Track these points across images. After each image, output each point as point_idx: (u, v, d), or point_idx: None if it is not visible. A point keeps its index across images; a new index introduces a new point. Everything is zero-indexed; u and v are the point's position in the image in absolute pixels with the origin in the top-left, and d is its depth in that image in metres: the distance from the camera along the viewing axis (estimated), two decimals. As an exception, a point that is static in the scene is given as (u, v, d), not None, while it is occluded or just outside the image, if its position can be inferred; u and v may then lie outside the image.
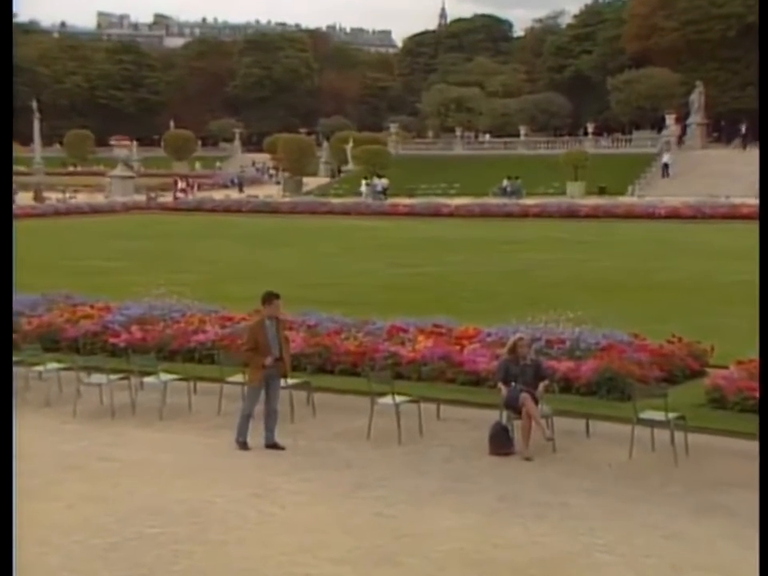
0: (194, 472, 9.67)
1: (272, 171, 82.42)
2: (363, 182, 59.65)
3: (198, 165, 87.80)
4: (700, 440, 10.21)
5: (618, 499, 8.74)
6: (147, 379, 12.26)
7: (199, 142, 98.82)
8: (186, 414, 11.92)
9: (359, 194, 58.72)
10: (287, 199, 57.21)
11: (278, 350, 10.44)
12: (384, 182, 59.53)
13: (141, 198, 57.98)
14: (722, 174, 54.86)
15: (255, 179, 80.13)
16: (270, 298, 10.56)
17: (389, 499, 8.74)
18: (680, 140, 67.65)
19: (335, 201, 53.67)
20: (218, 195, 60.90)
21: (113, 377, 12.18)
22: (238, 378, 12.09)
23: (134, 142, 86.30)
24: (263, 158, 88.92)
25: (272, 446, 10.35)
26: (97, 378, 12.26)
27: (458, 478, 9.37)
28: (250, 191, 66.05)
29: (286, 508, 8.56)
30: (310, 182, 70.55)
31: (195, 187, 67.75)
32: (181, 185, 65.37)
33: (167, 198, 57.81)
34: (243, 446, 10.36)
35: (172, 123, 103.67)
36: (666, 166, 58.26)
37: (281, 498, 8.80)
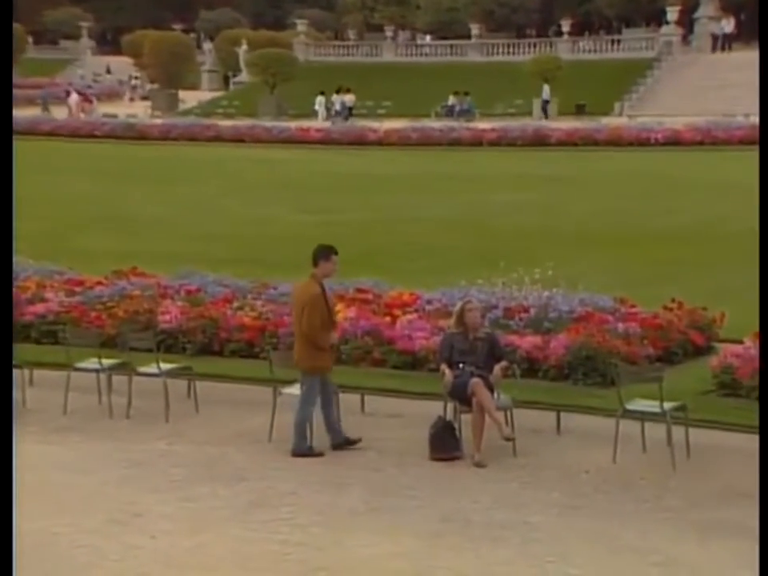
0: (32, 493, 9.56)
1: (135, 81, 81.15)
2: (319, 98, 59.35)
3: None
4: (706, 437, 10.46)
5: (597, 516, 8.92)
6: (-34, 366, 12.08)
7: (30, 40, 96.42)
8: (20, 414, 11.77)
9: (313, 114, 58.18)
10: (158, 120, 56.53)
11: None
12: (349, 98, 59.36)
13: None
14: (741, 84, 55.13)
15: (112, 92, 78.83)
16: (327, 253, 10.51)
17: (297, 521, 8.79)
18: (685, 40, 68.32)
19: (224, 123, 53.21)
20: (61, 113, 59.81)
21: None
22: (92, 362, 12.00)
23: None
24: (123, 62, 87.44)
25: (345, 442, 10.50)
26: None
27: (388, 492, 9.46)
28: (106, 108, 65.05)
29: (157, 538, 8.54)
30: (188, 97, 69.78)
31: (95, 101, 66.44)
32: (76, 97, 63.79)
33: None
34: (311, 451, 10.41)
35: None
36: (545, 103, 58.39)
37: (151, 525, 8.78)
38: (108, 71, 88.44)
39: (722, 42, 66.56)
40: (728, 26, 67.43)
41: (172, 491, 9.53)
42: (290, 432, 10.70)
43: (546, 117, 55.99)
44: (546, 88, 57.73)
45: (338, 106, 59.03)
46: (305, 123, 52.39)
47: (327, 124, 53.89)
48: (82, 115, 60.05)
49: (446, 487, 9.58)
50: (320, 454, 10.44)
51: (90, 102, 65.48)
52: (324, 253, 10.52)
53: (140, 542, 8.45)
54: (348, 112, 58.57)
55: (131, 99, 75.04)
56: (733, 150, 39.68)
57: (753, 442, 9.83)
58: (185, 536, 8.57)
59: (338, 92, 59.79)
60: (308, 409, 10.55)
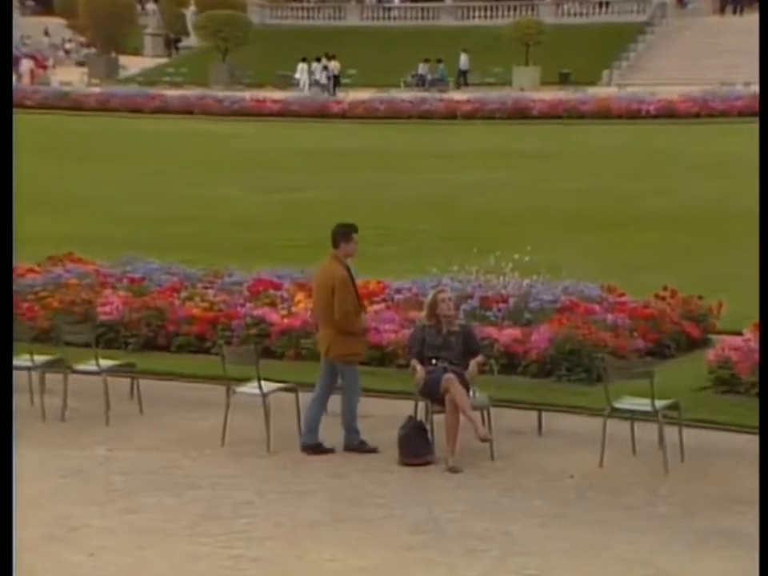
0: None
1: (70, 45, 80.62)
2: (300, 65, 59.11)
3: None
4: (701, 438, 10.53)
5: (583, 525, 8.97)
6: None
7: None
8: (-55, 416, 11.75)
9: (295, 84, 58.01)
10: (96, 89, 56.27)
11: None
12: (334, 65, 59.12)
13: None
14: (740, 49, 55.32)
15: (44, 57, 78.20)
16: (348, 232, 10.57)
17: (253, 534, 8.79)
18: (680, 2, 68.48)
19: (170, 93, 53.00)
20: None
21: None
22: (23, 358, 11.87)
23: None
24: (56, 24, 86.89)
25: (316, 448, 10.52)
26: None
27: (353, 501, 9.48)
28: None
29: (96, 555, 8.51)
30: (130, 63, 69.43)
31: (49, 67, 65.94)
32: (28, 63, 63.16)
33: None
34: (364, 446, 10.54)
35: None
36: (463, 74, 58.83)
37: (89, 540, 8.75)
38: (46, 33, 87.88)
39: (735, 4, 66.23)
40: None
41: (113, 502, 9.49)
42: (245, 435, 10.70)
43: (466, 84, 56.67)
44: (464, 57, 58.18)
45: (317, 75, 58.74)
46: (260, 93, 52.23)
47: (304, 94, 54.05)
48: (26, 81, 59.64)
49: (416, 495, 9.60)
50: (373, 450, 10.50)
51: (44, 67, 64.93)
52: (345, 232, 10.59)
53: (77, 560, 8.41)
54: (334, 81, 58.31)
55: (54, 66, 74.28)
56: (732, 123, 39.84)
57: (752, 443, 9.92)
58: (127, 552, 8.54)
59: (318, 59, 59.48)
60: (353, 399, 10.57)
